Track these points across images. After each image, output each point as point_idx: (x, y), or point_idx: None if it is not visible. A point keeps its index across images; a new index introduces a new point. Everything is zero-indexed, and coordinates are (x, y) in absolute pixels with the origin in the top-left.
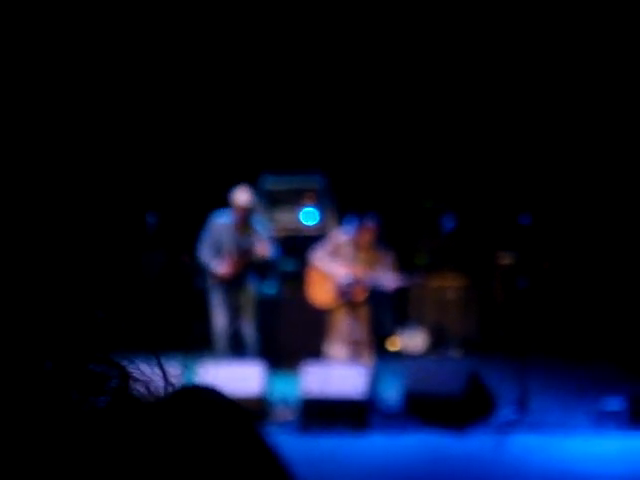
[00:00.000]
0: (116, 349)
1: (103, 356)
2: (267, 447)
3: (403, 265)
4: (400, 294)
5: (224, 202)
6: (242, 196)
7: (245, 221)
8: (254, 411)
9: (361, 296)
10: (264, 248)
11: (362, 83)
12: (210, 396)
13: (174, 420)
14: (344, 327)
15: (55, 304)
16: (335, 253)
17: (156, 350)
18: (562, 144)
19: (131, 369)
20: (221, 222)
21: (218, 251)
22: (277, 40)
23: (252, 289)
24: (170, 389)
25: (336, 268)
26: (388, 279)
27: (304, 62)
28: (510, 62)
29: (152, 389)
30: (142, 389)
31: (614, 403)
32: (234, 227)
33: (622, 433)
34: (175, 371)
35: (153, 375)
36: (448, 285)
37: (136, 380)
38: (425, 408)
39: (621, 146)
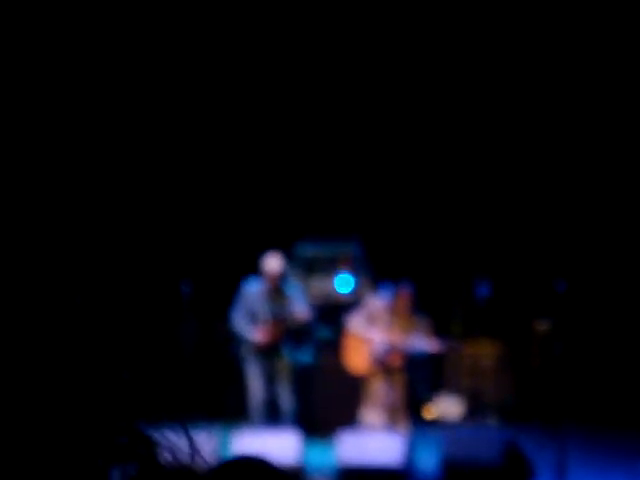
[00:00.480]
0: (148, 419)
1: (131, 425)
2: None
3: (438, 333)
4: (436, 361)
5: (256, 271)
6: (272, 262)
7: (277, 287)
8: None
9: (397, 363)
10: (303, 312)
11: (396, 150)
12: (256, 465)
13: None
14: (380, 394)
15: (92, 373)
16: (371, 319)
17: (186, 419)
18: (595, 211)
19: (158, 438)
20: (253, 290)
21: (252, 319)
22: (312, 106)
23: (288, 357)
24: (198, 458)
25: (372, 334)
26: (426, 343)
27: (341, 128)
28: (541, 127)
29: (179, 457)
30: (169, 457)
31: None
32: (267, 294)
33: None
34: (210, 441)
35: (181, 443)
36: (483, 352)
37: (164, 449)
38: (463, 476)
39: None
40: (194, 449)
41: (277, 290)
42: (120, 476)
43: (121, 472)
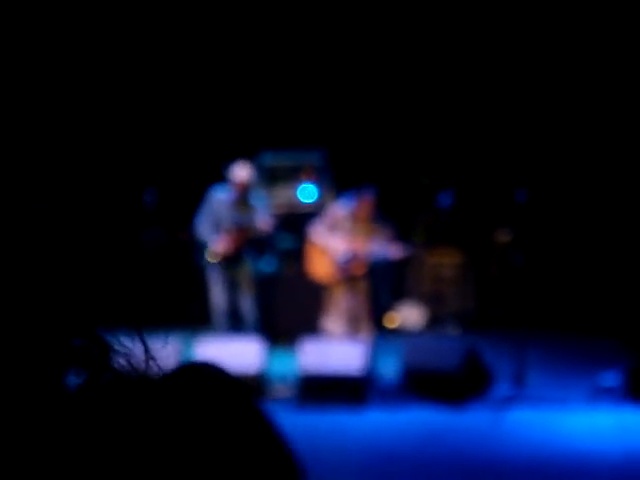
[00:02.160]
0: (106, 324)
1: (86, 330)
2: (268, 423)
3: (401, 241)
4: (398, 270)
5: (222, 178)
6: (241, 172)
7: (244, 197)
8: (252, 388)
9: (360, 271)
10: (265, 223)
11: (360, 60)
12: (211, 372)
13: (175, 396)
14: (343, 302)
15: (48, 279)
16: (334, 227)
17: (146, 326)
18: (558, 119)
19: (115, 343)
20: (219, 198)
21: (216, 227)
22: (276, 16)
23: (250, 266)
24: (152, 364)
25: (335, 243)
26: (388, 250)
27: (303, 38)
28: (502, 38)
29: (134, 363)
30: (124, 363)
31: (611, 378)
32: (233, 203)
33: (619, 408)
34: (173, 347)
35: (137, 350)
36: (445, 261)
37: (119, 354)
38: (423, 384)
39: (617, 123)
40: (149, 355)
41: (243, 200)
42: (75, 381)
43: (76, 377)
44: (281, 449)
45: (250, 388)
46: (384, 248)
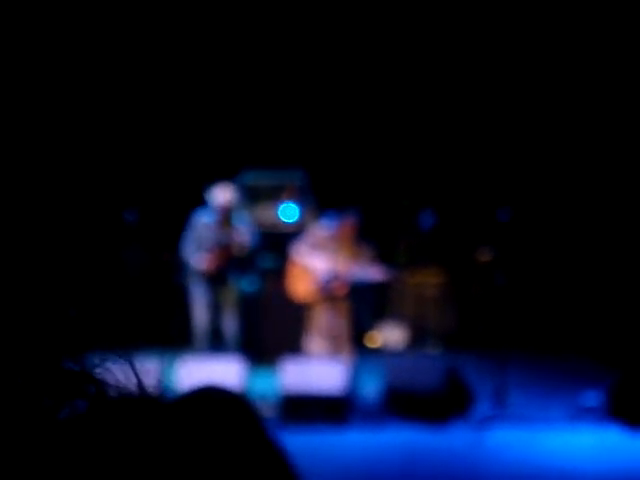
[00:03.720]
0: (90, 348)
1: (76, 358)
2: (275, 445)
3: (383, 262)
4: (379, 291)
5: (204, 197)
6: (223, 195)
7: (227, 219)
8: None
9: (341, 291)
10: (242, 236)
11: (342, 81)
12: (220, 395)
13: (183, 421)
14: (324, 322)
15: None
16: (315, 247)
17: (131, 347)
18: (540, 139)
19: (102, 369)
20: (203, 221)
21: (199, 247)
22: (258, 37)
23: (233, 285)
24: (144, 389)
25: (316, 263)
26: (370, 272)
27: (285, 59)
28: (484, 57)
29: (124, 390)
30: (114, 390)
31: (591, 398)
32: (216, 225)
33: (599, 428)
34: (154, 367)
35: (126, 374)
36: (427, 281)
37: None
38: (404, 404)
39: (601, 140)
40: (139, 380)
41: (226, 221)
42: (69, 414)
43: (70, 410)
44: (289, 471)
45: (257, 409)
46: (366, 270)
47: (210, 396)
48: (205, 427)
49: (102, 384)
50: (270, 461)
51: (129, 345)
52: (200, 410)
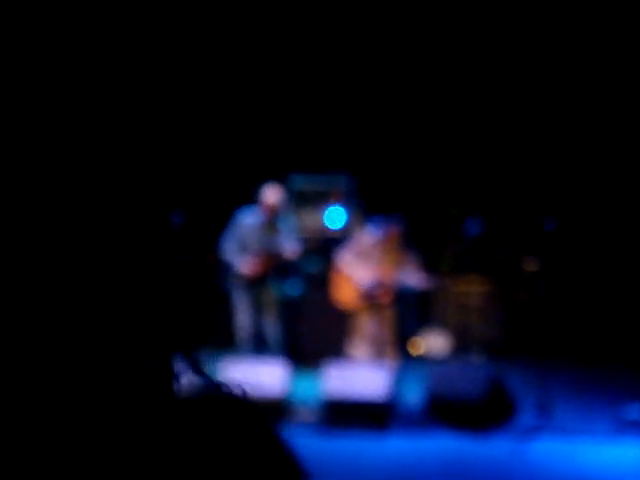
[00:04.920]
0: (177, 348)
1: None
2: (284, 448)
3: (428, 270)
4: (424, 298)
5: (250, 200)
6: (272, 194)
7: (273, 220)
8: (275, 411)
9: (386, 299)
10: (293, 251)
11: (394, 87)
12: (229, 397)
13: (191, 419)
14: (368, 329)
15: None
16: (361, 255)
17: (187, 348)
18: (588, 149)
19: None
20: (247, 220)
21: (243, 250)
22: (309, 39)
23: (276, 289)
24: (207, 386)
25: (361, 271)
26: (415, 279)
27: (339, 62)
28: (535, 66)
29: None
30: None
31: (636, 411)
32: (261, 226)
33: None
34: (204, 370)
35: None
36: (472, 290)
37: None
38: (446, 412)
39: None
40: (203, 375)
41: (271, 223)
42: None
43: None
44: (297, 473)
45: (267, 412)
46: (411, 277)
47: (218, 399)
48: (212, 429)
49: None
50: (279, 464)
51: (181, 346)
52: (209, 412)
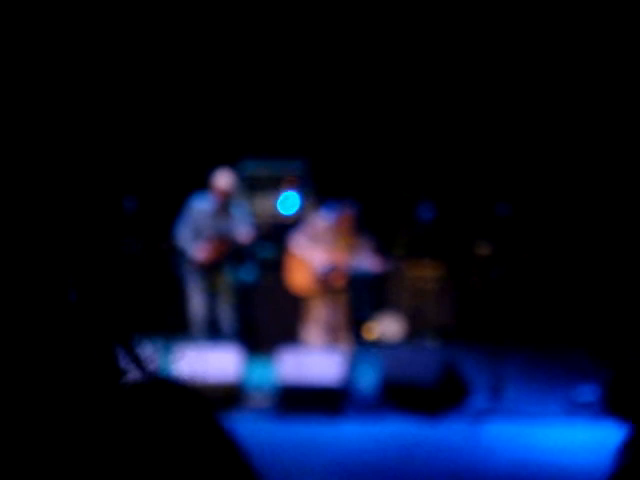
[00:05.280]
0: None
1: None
2: (228, 437)
3: (382, 254)
4: (378, 283)
5: (203, 186)
6: (224, 179)
7: (225, 205)
8: (230, 397)
9: (340, 282)
10: (246, 234)
11: (343, 72)
12: (172, 385)
13: (134, 409)
14: (322, 313)
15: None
16: (314, 239)
17: (132, 335)
18: (540, 133)
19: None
20: (200, 206)
21: (197, 235)
22: (259, 25)
23: (230, 274)
24: (145, 374)
25: (315, 254)
26: (369, 263)
27: (286, 48)
28: (485, 49)
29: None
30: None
31: (587, 392)
32: (214, 212)
33: (595, 422)
34: (152, 356)
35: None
36: (426, 274)
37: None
38: (400, 396)
39: (598, 135)
40: (143, 365)
41: (225, 208)
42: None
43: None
44: (241, 464)
45: (210, 401)
46: (364, 261)
47: (162, 386)
48: (156, 417)
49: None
50: (221, 451)
51: (129, 333)
52: (152, 400)
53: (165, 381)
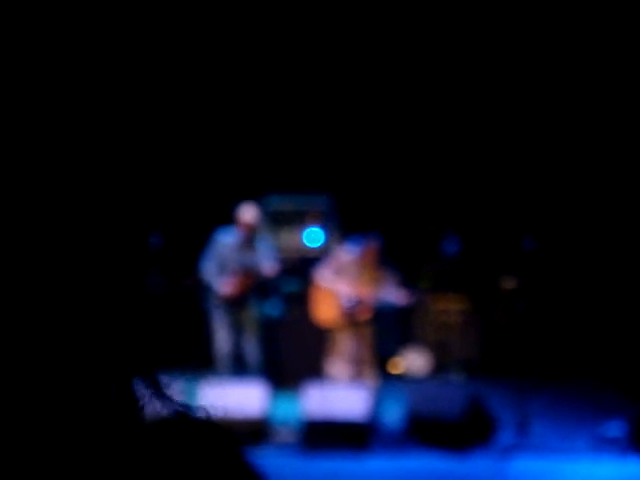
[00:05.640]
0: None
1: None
2: (254, 474)
3: (407, 287)
4: (403, 317)
5: (228, 221)
6: (249, 213)
7: (250, 239)
8: (255, 432)
9: (365, 316)
10: (271, 268)
11: (368, 106)
12: (198, 421)
13: (160, 444)
14: (347, 347)
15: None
16: (339, 272)
17: (159, 370)
18: (566, 168)
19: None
20: (225, 240)
21: (222, 270)
22: (285, 60)
23: (255, 309)
24: (171, 410)
25: (340, 287)
26: (394, 296)
27: (313, 85)
28: (516, 86)
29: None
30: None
31: (614, 428)
32: (238, 245)
33: (622, 458)
34: (177, 391)
35: (156, 395)
36: (451, 308)
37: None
38: (426, 431)
39: (622, 173)
40: (169, 402)
41: (249, 242)
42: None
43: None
44: None
45: (237, 437)
46: (389, 294)
47: (187, 422)
48: (178, 455)
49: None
50: None
51: (156, 369)
52: (174, 437)
53: (190, 417)
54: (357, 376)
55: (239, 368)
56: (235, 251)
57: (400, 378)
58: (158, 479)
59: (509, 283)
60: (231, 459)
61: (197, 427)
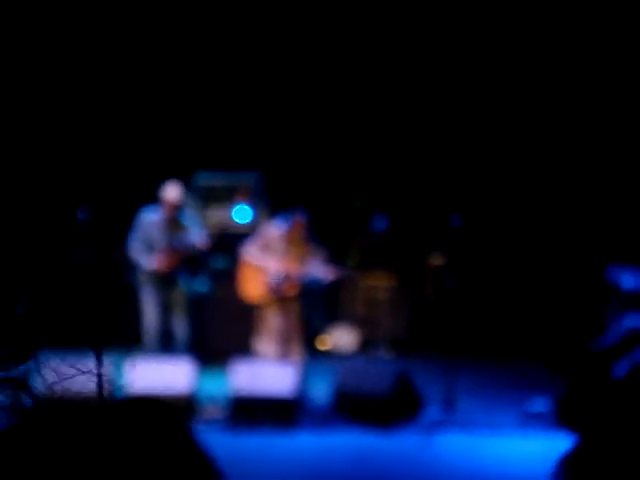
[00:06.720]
0: (42, 346)
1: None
2: (197, 447)
3: (335, 264)
4: (331, 293)
5: (156, 197)
6: (171, 192)
7: (174, 217)
8: (183, 409)
9: (292, 292)
10: (202, 240)
11: (294, 80)
12: (148, 401)
13: (109, 423)
14: (275, 323)
15: None
16: (266, 248)
17: (80, 348)
18: (493, 145)
19: (57, 367)
20: (150, 218)
21: (149, 248)
22: (213, 36)
23: (183, 286)
24: (101, 388)
25: (267, 263)
26: (321, 272)
27: (241, 60)
28: (444, 59)
29: (78, 387)
30: (66, 387)
31: (540, 404)
32: (164, 223)
33: (547, 434)
34: (104, 368)
35: (79, 372)
36: (379, 285)
37: (62, 378)
38: (354, 407)
39: (551, 147)
40: (99, 379)
41: (174, 220)
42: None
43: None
44: (210, 472)
45: (180, 411)
46: (317, 270)
47: (139, 404)
48: (130, 433)
49: (34, 392)
50: (194, 465)
51: (78, 345)
52: (128, 416)
53: (116, 393)
54: (285, 352)
55: (167, 345)
56: (161, 229)
57: (328, 354)
58: (109, 458)
59: (437, 260)
60: (179, 435)
61: (141, 405)
